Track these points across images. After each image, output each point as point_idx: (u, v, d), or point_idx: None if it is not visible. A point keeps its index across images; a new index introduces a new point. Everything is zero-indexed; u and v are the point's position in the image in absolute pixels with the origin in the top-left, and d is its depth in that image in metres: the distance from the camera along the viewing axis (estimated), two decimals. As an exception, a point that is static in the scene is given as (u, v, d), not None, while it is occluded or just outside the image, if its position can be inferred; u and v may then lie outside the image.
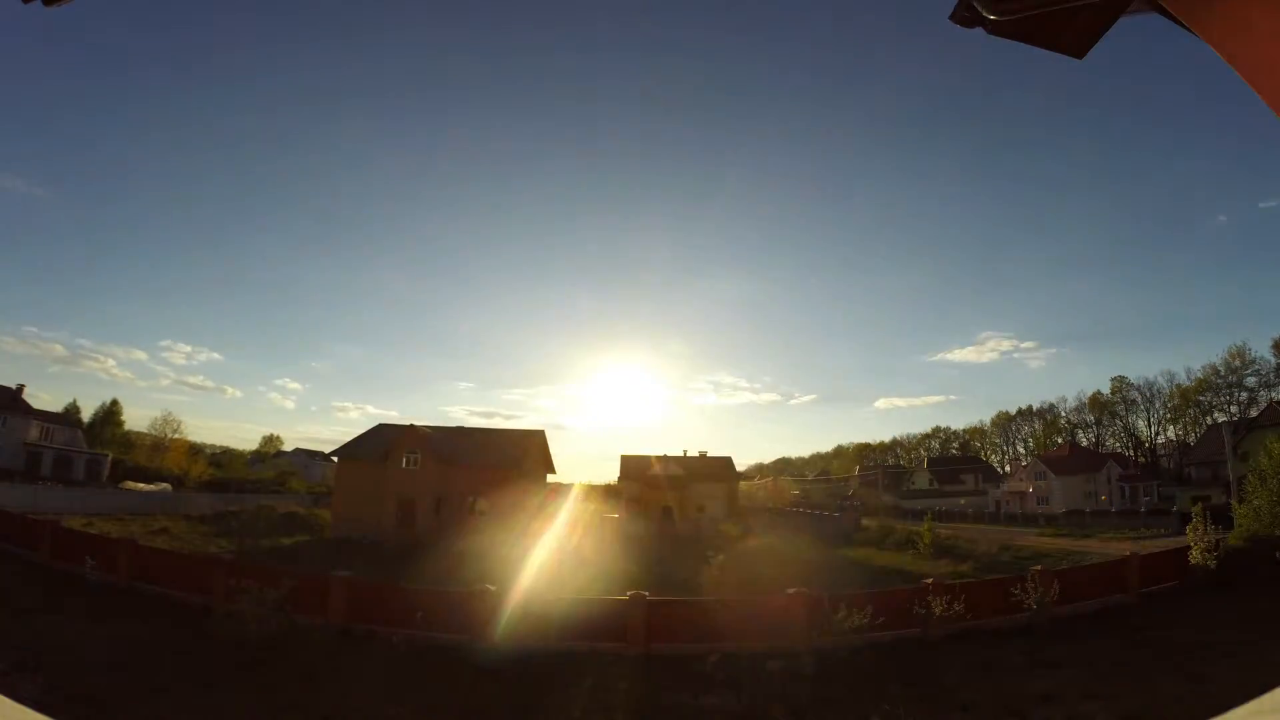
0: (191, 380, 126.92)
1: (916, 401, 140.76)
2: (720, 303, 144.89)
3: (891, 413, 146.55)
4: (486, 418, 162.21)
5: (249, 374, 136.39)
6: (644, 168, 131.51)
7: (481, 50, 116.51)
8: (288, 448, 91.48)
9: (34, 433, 50.43)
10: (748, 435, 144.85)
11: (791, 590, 15.54)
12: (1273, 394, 64.29)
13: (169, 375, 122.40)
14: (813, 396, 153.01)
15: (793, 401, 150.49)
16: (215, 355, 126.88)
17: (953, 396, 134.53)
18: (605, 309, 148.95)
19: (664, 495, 50.06)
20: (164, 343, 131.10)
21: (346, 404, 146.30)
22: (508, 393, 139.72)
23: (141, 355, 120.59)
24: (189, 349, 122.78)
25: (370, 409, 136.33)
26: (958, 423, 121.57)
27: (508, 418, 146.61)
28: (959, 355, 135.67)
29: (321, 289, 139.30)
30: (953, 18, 1.75)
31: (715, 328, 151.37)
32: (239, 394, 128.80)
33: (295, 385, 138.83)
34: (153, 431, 69.05)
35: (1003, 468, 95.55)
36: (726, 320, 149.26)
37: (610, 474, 62.68)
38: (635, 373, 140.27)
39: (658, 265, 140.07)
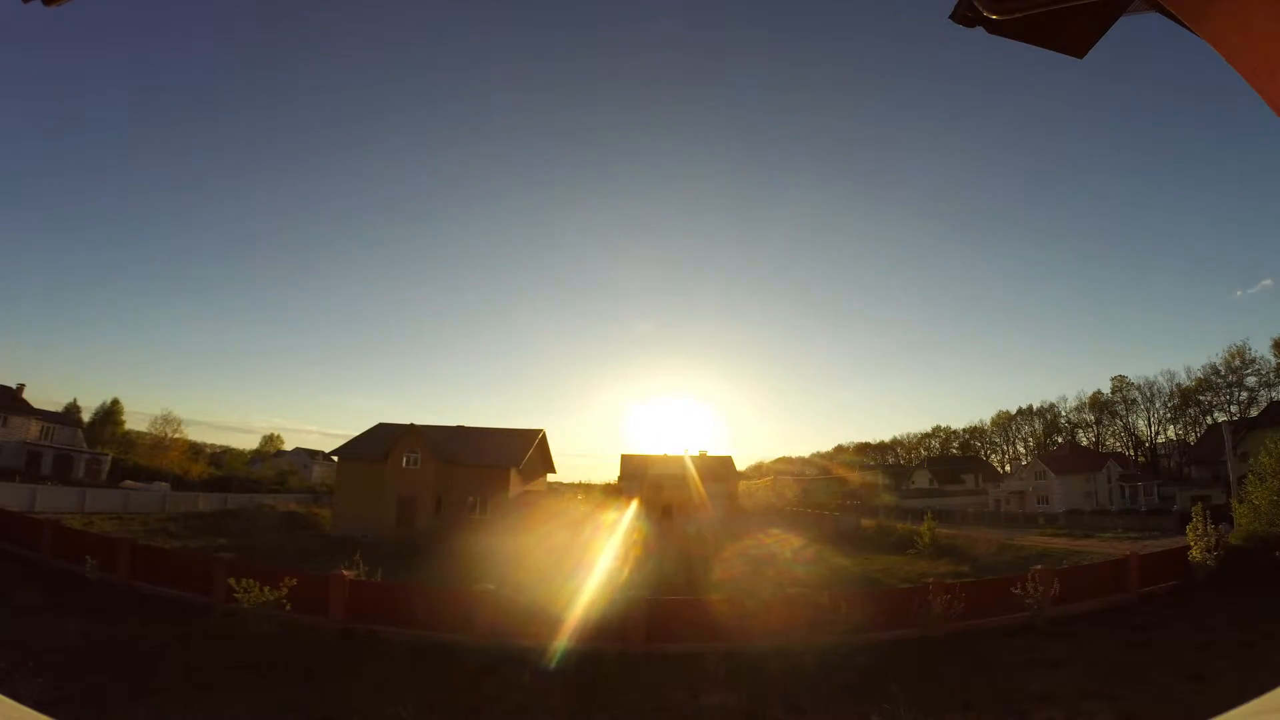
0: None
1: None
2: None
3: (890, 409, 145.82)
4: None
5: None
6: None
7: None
8: (287, 447, 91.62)
9: (34, 432, 50.43)
10: (747, 433, 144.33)
11: (791, 590, 15.59)
12: (1273, 394, 64.27)
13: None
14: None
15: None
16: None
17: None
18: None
19: (664, 495, 50.12)
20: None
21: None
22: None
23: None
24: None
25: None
26: (958, 422, 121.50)
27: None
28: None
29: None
30: (953, 17, 1.74)
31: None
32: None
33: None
34: (153, 431, 69.03)
35: (1003, 467, 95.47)
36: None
37: (610, 473, 62.67)
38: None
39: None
